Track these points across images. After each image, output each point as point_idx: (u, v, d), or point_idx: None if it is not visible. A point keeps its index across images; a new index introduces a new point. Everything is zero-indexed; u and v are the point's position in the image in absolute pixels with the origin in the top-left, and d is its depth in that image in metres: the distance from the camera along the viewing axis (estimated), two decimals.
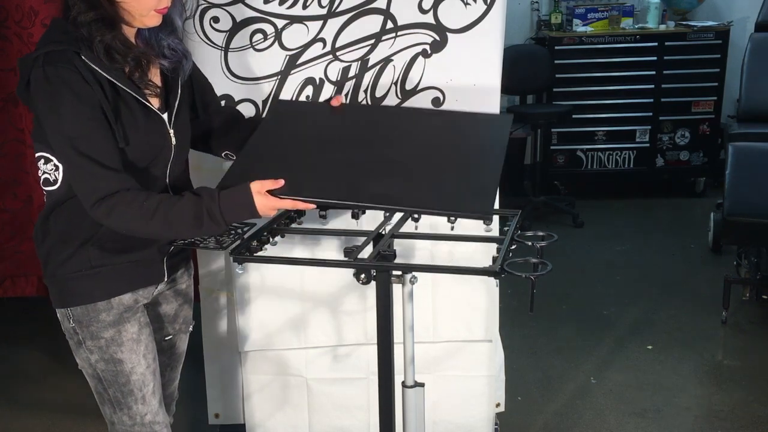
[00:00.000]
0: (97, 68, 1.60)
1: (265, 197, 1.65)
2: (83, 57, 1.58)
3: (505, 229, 1.86)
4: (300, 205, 1.70)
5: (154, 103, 1.73)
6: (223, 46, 2.20)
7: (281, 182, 1.66)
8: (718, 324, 3.58)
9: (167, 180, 1.79)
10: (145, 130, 1.69)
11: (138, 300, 1.82)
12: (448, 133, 1.94)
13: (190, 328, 2.07)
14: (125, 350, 1.77)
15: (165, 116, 1.76)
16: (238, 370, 2.50)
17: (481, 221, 1.96)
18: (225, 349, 2.51)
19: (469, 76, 2.24)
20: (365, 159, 1.83)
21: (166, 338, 1.98)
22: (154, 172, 1.75)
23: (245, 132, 1.94)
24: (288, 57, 2.22)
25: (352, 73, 2.24)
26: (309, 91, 2.25)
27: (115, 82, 1.62)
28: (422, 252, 2.35)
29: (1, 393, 3.11)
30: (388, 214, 1.98)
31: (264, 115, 1.91)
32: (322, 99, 2.26)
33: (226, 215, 1.65)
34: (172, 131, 1.76)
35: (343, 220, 2.30)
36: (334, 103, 1.98)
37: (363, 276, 1.71)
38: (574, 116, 5.07)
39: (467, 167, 1.83)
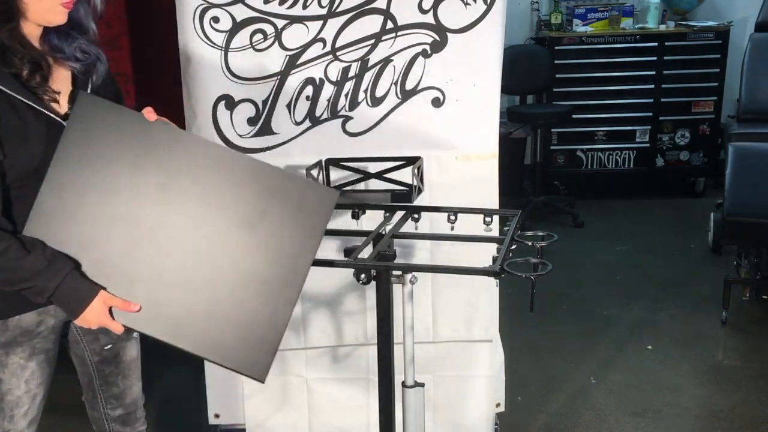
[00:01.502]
0: None
1: (102, 311, 1.56)
2: None
3: (505, 229, 1.86)
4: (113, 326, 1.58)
5: (59, 110, 1.61)
6: (223, 46, 2.20)
7: (133, 307, 1.56)
8: (718, 324, 3.58)
9: None
10: (40, 141, 1.56)
11: (44, 321, 1.69)
12: (252, 227, 1.67)
13: (134, 335, 1.90)
14: (7, 372, 1.68)
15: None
16: None
17: (482, 221, 1.97)
18: None
19: (469, 76, 2.24)
20: (171, 259, 1.62)
21: (107, 347, 1.87)
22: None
23: None
24: (288, 57, 2.22)
25: (352, 73, 2.24)
26: (309, 91, 2.25)
27: (3, 89, 1.50)
28: (422, 252, 2.35)
29: None
30: (388, 214, 1.99)
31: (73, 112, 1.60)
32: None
33: (53, 298, 1.54)
34: None
35: (343, 220, 2.30)
36: (149, 116, 1.63)
37: (363, 276, 1.71)
38: (574, 116, 5.07)
39: (259, 300, 1.65)
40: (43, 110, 1.56)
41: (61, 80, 1.64)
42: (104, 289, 1.56)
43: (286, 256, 1.70)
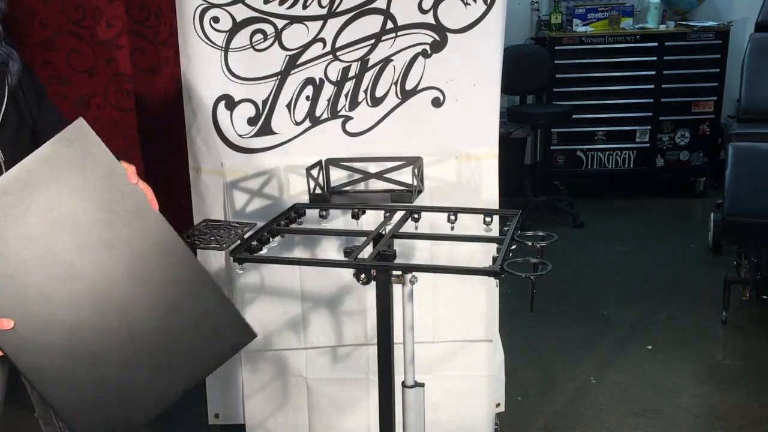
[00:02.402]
0: None
1: None
2: None
3: (505, 229, 1.86)
4: None
5: None
6: (223, 46, 2.20)
7: (6, 324, 1.44)
8: (718, 324, 3.58)
9: None
10: None
11: None
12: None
13: None
14: None
15: None
16: (238, 370, 2.50)
17: (482, 221, 1.97)
18: None
19: (469, 76, 2.24)
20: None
21: None
22: None
23: None
24: (288, 57, 2.22)
25: (352, 73, 2.24)
26: (309, 91, 2.25)
27: None
28: (422, 252, 2.35)
29: None
30: (388, 214, 1.99)
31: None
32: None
33: None
34: None
35: (343, 220, 2.30)
36: (130, 178, 1.57)
37: (363, 276, 1.71)
38: (574, 116, 5.07)
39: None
40: None
41: None
42: None
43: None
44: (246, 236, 1.85)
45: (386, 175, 2.19)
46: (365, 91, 2.26)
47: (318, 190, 2.19)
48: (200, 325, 1.63)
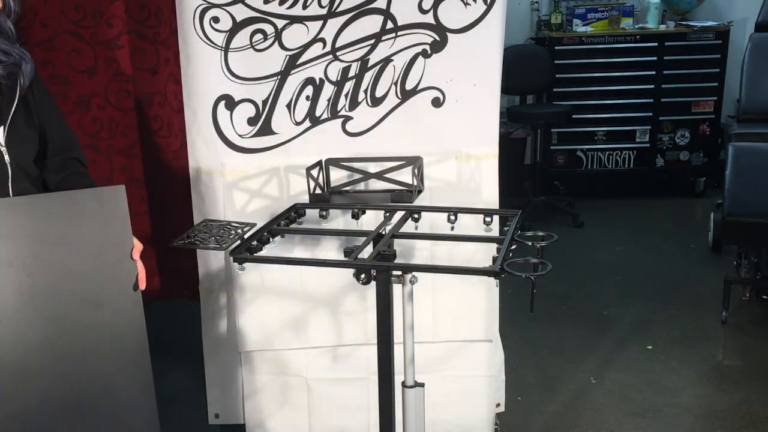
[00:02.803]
0: None
1: None
2: None
3: (505, 229, 1.86)
4: None
5: None
6: (223, 46, 2.20)
7: None
8: (718, 324, 3.58)
9: (10, 196, 1.60)
10: None
11: None
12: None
13: None
14: None
15: None
16: (238, 370, 2.50)
17: (482, 221, 1.97)
18: (225, 349, 2.51)
19: (469, 76, 2.24)
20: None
21: None
22: None
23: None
24: (288, 57, 2.22)
25: (352, 73, 2.24)
26: (309, 91, 2.25)
27: None
28: (422, 252, 2.35)
29: None
30: (388, 214, 1.99)
31: None
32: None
33: None
34: (4, 148, 1.58)
35: (343, 220, 2.30)
36: (134, 254, 1.63)
37: (363, 276, 1.71)
38: (574, 116, 5.07)
39: None
40: None
41: None
42: None
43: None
44: (246, 236, 1.85)
45: (386, 175, 2.19)
46: (365, 91, 2.26)
47: (318, 190, 2.19)
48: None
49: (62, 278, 1.57)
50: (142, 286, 1.67)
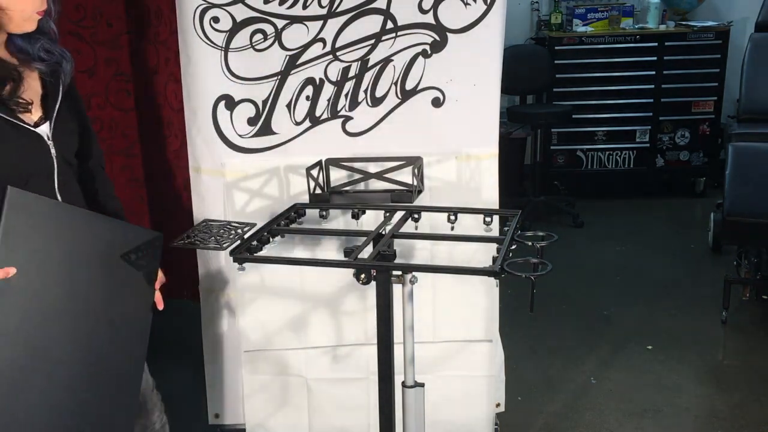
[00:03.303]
0: None
1: None
2: None
3: (505, 229, 1.86)
4: None
5: (32, 116, 1.66)
6: (223, 46, 2.20)
7: (8, 273, 1.53)
8: (718, 324, 3.58)
9: (57, 191, 1.71)
10: (12, 149, 1.61)
11: None
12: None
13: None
14: None
15: (44, 128, 1.68)
16: (238, 370, 2.50)
17: (482, 221, 1.97)
18: (225, 349, 2.51)
19: (469, 76, 2.24)
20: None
21: None
22: (37, 185, 1.65)
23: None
24: (288, 57, 2.22)
25: (352, 73, 2.24)
26: (309, 91, 2.25)
27: None
28: (422, 252, 2.35)
29: None
30: (388, 214, 1.99)
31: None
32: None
33: None
34: (51, 143, 1.68)
35: (343, 220, 2.30)
36: (157, 284, 1.91)
37: (363, 276, 1.71)
38: (574, 116, 5.07)
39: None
40: (15, 120, 1.60)
41: (32, 87, 1.68)
42: None
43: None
44: (246, 236, 1.85)
45: (386, 175, 2.19)
46: (365, 91, 2.26)
47: (318, 190, 2.19)
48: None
49: (96, 291, 1.76)
50: (160, 306, 1.93)
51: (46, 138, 1.67)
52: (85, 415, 1.76)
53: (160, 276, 1.92)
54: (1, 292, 1.54)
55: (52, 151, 1.68)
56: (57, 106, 1.70)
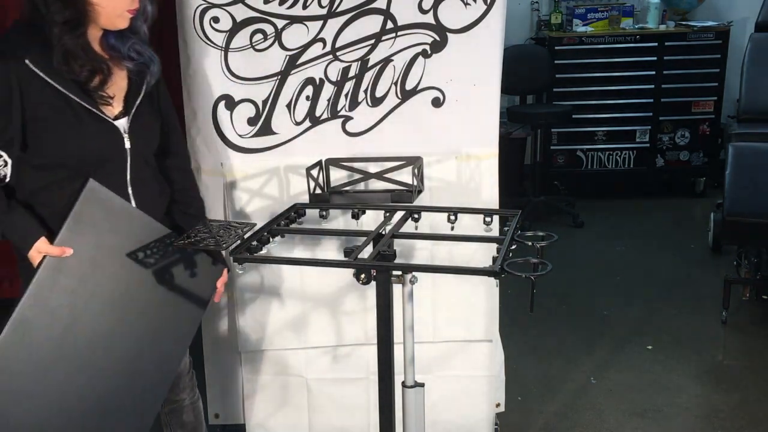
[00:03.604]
0: (41, 74, 1.66)
1: (36, 251, 1.71)
2: (27, 61, 1.65)
3: (505, 229, 1.86)
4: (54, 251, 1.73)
5: (112, 110, 1.77)
6: (223, 46, 2.20)
7: (65, 252, 1.71)
8: (718, 324, 3.58)
9: (128, 180, 1.82)
10: (89, 137, 1.73)
11: None
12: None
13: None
14: None
15: (122, 122, 1.79)
16: (238, 370, 2.50)
17: (482, 221, 1.97)
18: (225, 349, 2.51)
19: (469, 76, 2.24)
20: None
21: None
22: (110, 174, 1.79)
23: (177, 211, 2.01)
24: (288, 57, 2.22)
25: (352, 73, 2.24)
26: (309, 91, 2.25)
27: (59, 88, 1.68)
28: (422, 252, 2.35)
29: None
30: (388, 214, 1.99)
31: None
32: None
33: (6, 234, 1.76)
34: (126, 135, 1.79)
35: (343, 220, 2.30)
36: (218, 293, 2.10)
37: (363, 276, 1.71)
38: (574, 116, 5.06)
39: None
40: (97, 111, 1.73)
41: (117, 83, 1.79)
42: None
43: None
44: (246, 236, 1.85)
45: (386, 175, 2.19)
46: (365, 91, 2.26)
47: (318, 190, 2.19)
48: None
49: (146, 293, 1.89)
50: (217, 300, 2.13)
51: (122, 131, 1.78)
52: (101, 400, 1.84)
53: (224, 275, 2.08)
54: (54, 269, 1.70)
55: (127, 144, 1.79)
56: (137, 103, 1.81)
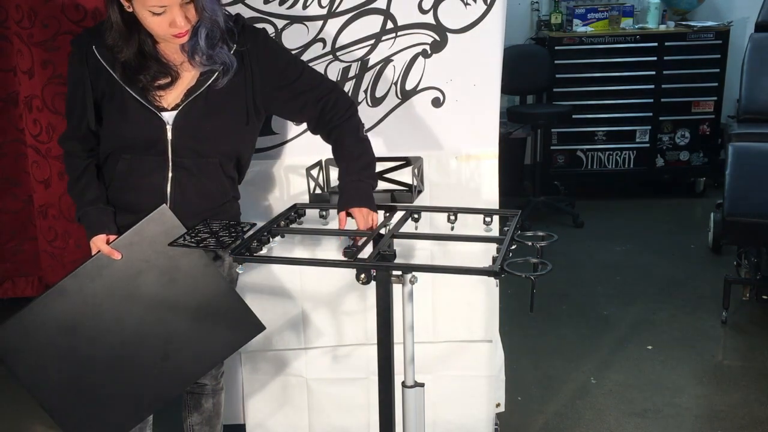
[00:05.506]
0: (101, 59, 1.82)
1: (93, 243, 1.93)
2: (95, 49, 1.82)
3: (505, 229, 1.86)
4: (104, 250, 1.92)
5: (167, 100, 1.86)
6: None
7: (116, 255, 1.90)
8: (718, 324, 3.58)
9: (169, 169, 1.89)
10: (133, 124, 1.85)
11: None
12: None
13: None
14: None
15: (169, 115, 1.85)
16: (238, 370, 2.50)
17: (482, 221, 1.97)
18: None
19: (469, 76, 2.24)
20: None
21: None
22: (150, 165, 1.89)
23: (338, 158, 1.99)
24: None
25: (352, 73, 2.24)
26: None
27: (112, 74, 1.83)
28: (422, 252, 2.35)
29: (1, 393, 3.10)
30: (388, 214, 1.99)
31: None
32: None
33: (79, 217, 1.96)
34: (169, 127, 1.85)
35: None
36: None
37: (363, 276, 1.71)
38: (574, 116, 5.07)
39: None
40: (143, 101, 1.83)
41: (184, 78, 1.87)
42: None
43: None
44: (246, 236, 1.85)
45: (386, 175, 2.19)
46: (365, 91, 2.26)
47: (318, 190, 2.19)
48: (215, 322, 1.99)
49: (180, 319, 1.97)
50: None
51: (166, 122, 1.85)
52: (115, 397, 1.97)
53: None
54: (101, 265, 1.90)
55: (169, 135, 1.86)
56: (189, 100, 1.85)
